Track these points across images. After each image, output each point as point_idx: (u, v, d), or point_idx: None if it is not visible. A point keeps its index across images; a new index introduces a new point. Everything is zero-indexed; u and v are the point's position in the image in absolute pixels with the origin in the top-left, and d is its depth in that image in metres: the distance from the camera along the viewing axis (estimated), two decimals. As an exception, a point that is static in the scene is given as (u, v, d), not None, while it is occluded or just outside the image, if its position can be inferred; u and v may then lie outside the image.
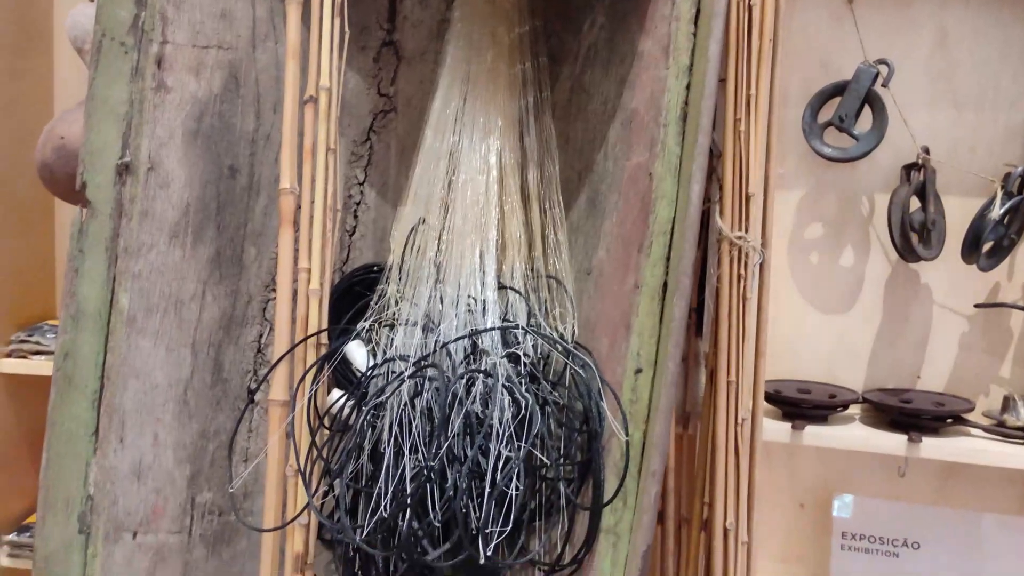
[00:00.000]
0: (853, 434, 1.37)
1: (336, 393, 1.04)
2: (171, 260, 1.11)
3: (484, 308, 0.97)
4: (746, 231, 1.20)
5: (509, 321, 0.97)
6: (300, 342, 1.01)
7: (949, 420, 1.36)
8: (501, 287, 0.99)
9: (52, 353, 1.66)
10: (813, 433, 1.38)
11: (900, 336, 1.48)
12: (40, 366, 1.66)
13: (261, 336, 1.16)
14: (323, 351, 1.01)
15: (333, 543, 1.08)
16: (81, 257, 1.08)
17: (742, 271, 1.21)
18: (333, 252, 1.05)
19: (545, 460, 0.87)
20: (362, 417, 0.93)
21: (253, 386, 1.14)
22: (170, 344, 1.10)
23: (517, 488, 0.84)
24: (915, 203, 1.39)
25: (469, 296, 0.98)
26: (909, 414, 1.35)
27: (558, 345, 0.95)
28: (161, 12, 1.13)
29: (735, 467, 1.24)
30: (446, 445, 0.84)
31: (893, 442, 1.34)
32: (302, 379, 1.00)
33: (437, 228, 1.05)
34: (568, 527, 0.90)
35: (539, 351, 0.97)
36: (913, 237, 1.36)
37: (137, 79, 1.12)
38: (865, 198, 1.47)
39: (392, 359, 0.95)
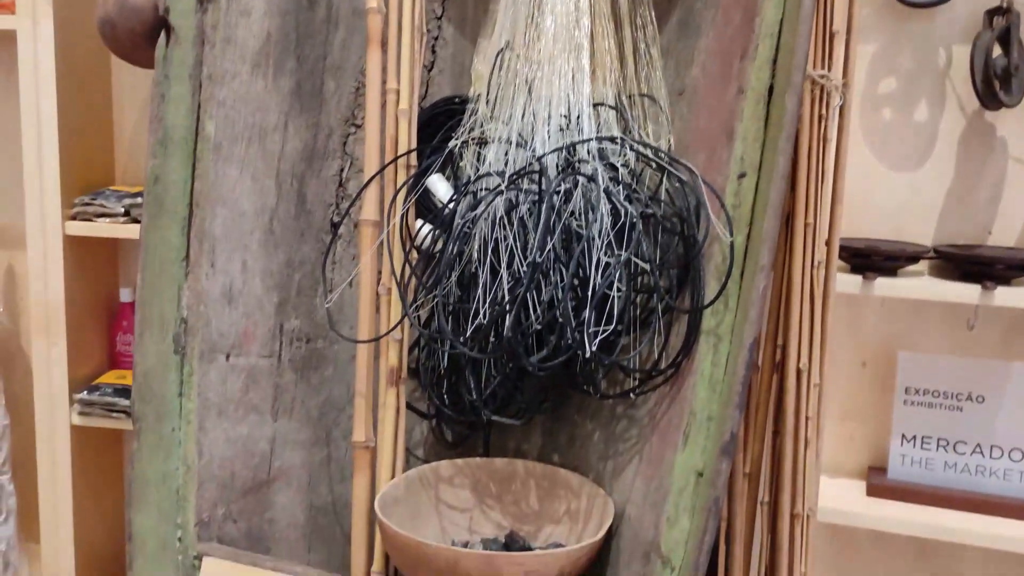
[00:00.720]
0: (924, 285, 1.37)
1: (419, 222, 1.04)
2: (254, 90, 1.11)
3: (579, 124, 0.96)
4: (828, 70, 1.18)
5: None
6: (392, 161, 1.01)
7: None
8: (595, 105, 0.98)
9: (116, 215, 1.68)
10: (883, 284, 1.37)
11: (972, 191, 1.46)
12: (105, 228, 1.68)
13: (342, 170, 1.16)
14: (412, 172, 1.01)
15: (419, 371, 1.09)
16: (167, 83, 1.08)
17: (823, 111, 1.20)
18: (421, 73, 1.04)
19: (644, 265, 0.87)
20: (456, 231, 0.93)
21: (336, 219, 1.15)
22: (255, 173, 1.10)
23: (619, 290, 0.85)
24: (997, 50, 1.36)
25: (561, 114, 0.97)
26: (982, 263, 1.34)
27: (657, 154, 0.94)
28: None
29: (809, 311, 1.24)
30: (549, 245, 0.84)
31: (965, 291, 1.34)
32: (393, 198, 1.00)
33: (525, 51, 1.03)
34: (664, 335, 0.90)
35: (632, 168, 0.96)
36: (995, 83, 1.33)
37: (215, -94, 1.10)
38: (942, 49, 1.44)
39: (488, 174, 0.95)
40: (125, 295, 1.81)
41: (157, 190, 1.07)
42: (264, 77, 1.11)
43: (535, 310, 0.89)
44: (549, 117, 0.99)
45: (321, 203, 1.15)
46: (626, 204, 0.88)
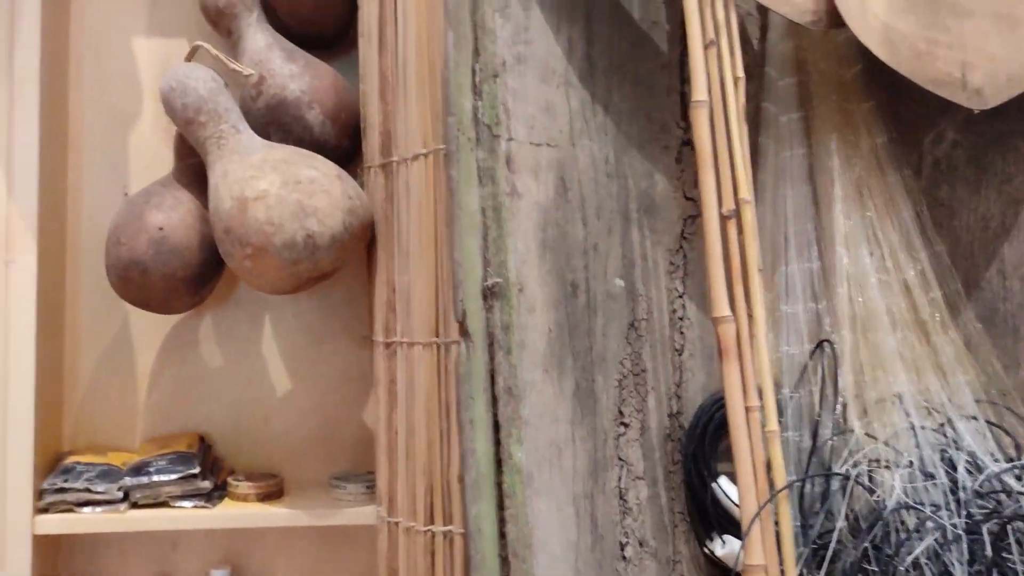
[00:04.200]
0: None
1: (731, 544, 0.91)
2: (547, 399, 0.92)
3: (953, 435, 0.91)
4: None
5: (965, 455, 0.92)
6: (774, 496, 0.88)
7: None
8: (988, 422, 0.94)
9: (113, 502, 1.27)
10: None
11: None
12: (93, 521, 1.27)
13: (620, 479, 0.99)
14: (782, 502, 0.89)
15: None
16: (472, 405, 0.86)
17: None
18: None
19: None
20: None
21: (624, 539, 0.97)
22: (559, 503, 0.91)
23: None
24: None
25: (929, 427, 0.92)
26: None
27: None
28: (503, 102, 0.95)
29: None
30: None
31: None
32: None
33: (843, 348, 0.97)
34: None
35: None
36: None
37: (487, 182, 0.93)
38: None
39: (919, 508, 0.85)
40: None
41: (483, 547, 0.83)
42: (552, 382, 0.93)
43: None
44: (914, 427, 0.93)
45: (609, 523, 0.97)
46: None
